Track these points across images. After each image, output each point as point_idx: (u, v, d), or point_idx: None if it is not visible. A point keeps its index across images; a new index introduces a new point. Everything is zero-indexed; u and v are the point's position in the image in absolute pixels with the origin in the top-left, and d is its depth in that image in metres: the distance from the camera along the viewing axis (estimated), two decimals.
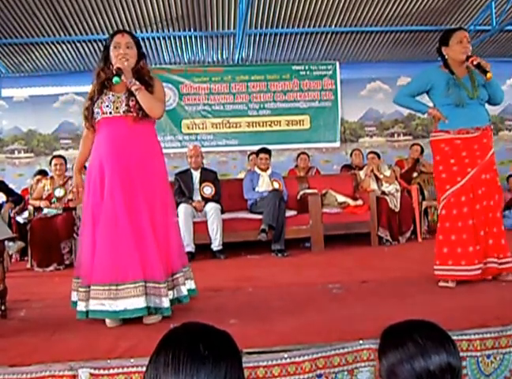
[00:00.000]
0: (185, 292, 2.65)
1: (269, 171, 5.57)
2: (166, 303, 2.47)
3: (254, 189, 5.42)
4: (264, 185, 5.42)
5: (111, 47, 2.62)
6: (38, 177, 6.00)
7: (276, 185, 5.43)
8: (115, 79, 2.51)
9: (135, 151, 2.56)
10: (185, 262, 2.79)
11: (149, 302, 2.44)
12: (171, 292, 2.57)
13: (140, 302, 2.40)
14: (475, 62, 2.94)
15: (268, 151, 5.65)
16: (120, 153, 2.54)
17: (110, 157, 2.55)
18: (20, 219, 5.42)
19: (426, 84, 3.15)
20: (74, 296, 2.60)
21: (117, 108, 2.57)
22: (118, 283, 2.42)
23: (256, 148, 5.87)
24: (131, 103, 2.56)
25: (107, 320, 2.47)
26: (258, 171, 5.56)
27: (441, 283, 3.03)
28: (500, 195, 3.11)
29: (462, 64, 3.08)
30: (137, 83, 2.55)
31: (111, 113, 2.57)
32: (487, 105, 3.15)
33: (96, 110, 2.60)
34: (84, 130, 2.76)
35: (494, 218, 3.04)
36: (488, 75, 2.91)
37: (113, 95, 2.60)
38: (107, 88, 2.63)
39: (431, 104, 3.21)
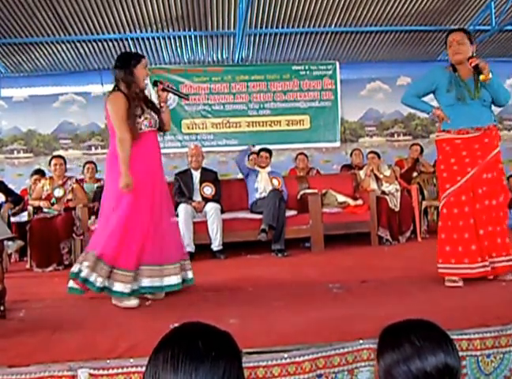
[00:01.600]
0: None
1: (268, 169, 5.59)
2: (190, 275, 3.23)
3: (255, 189, 5.42)
4: (263, 181, 5.42)
5: (141, 66, 3.07)
6: (35, 176, 6.00)
7: (275, 183, 5.44)
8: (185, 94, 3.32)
9: (160, 160, 3.20)
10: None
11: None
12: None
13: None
14: (473, 64, 2.97)
15: (269, 151, 5.68)
16: (156, 160, 3.14)
17: (152, 163, 3.09)
18: (15, 219, 5.40)
19: (431, 84, 3.19)
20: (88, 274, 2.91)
21: (155, 124, 3.12)
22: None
23: (258, 148, 5.86)
24: (158, 120, 3.15)
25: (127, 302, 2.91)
26: (257, 168, 5.58)
27: (448, 283, 3.02)
28: (506, 194, 3.12)
29: (464, 65, 3.08)
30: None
31: (151, 127, 3.09)
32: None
33: (143, 122, 3.03)
34: (127, 136, 2.97)
35: (497, 217, 3.05)
36: (481, 77, 2.94)
37: (149, 113, 3.09)
38: (145, 104, 3.11)
39: (435, 104, 3.25)
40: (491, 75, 2.95)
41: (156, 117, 3.13)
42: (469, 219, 3.01)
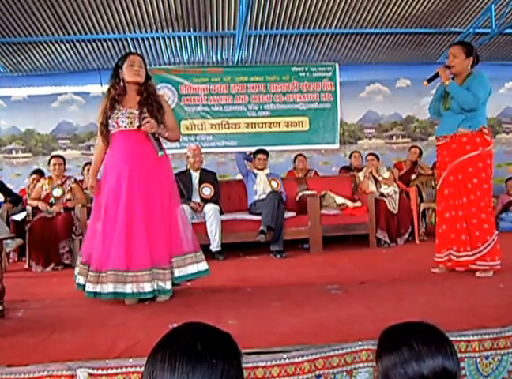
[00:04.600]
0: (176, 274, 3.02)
1: (266, 171, 5.59)
2: (168, 286, 2.95)
3: (254, 191, 5.42)
4: (261, 183, 5.42)
5: (126, 65, 3.00)
6: (34, 176, 6.00)
7: (274, 185, 5.44)
8: (160, 153, 2.96)
9: (145, 160, 2.97)
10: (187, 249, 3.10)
11: (154, 286, 2.89)
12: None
13: (146, 287, 2.85)
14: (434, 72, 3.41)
15: (265, 152, 5.67)
16: (134, 161, 2.95)
17: (127, 164, 2.94)
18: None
19: (439, 96, 3.50)
20: (81, 279, 3.02)
21: (131, 123, 2.96)
22: (129, 271, 2.86)
23: (255, 149, 5.86)
24: (143, 121, 2.94)
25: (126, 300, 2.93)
26: (256, 171, 5.58)
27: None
28: (481, 191, 3.29)
29: (458, 77, 3.37)
30: (163, 128, 3.01)
31: (126, 127, 2.95)
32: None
33: (111, 123, 2.97)
34: (99, 142, 3.12)
35: (468, 214, 3.31)
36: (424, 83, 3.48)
37: (126, 111, 2.97)
38: (118, 102, 3.00)
39: None
40: (447, 82, 3.30)
41: (142, 117, 2.96)
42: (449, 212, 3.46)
